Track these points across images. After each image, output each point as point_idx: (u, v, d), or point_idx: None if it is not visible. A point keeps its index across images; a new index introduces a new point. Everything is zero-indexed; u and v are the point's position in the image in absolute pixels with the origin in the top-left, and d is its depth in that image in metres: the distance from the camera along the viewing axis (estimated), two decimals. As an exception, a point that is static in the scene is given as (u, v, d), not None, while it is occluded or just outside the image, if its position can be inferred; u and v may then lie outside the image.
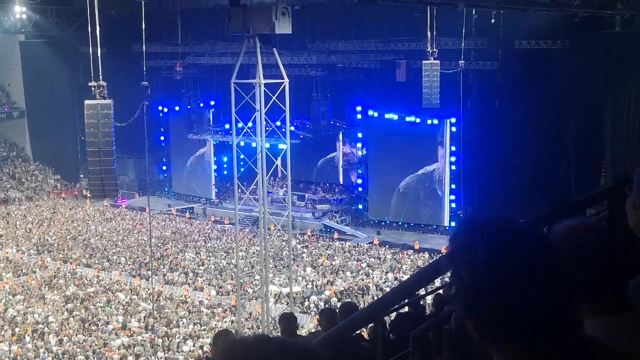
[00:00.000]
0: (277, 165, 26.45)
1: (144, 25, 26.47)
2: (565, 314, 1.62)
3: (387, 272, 35.99)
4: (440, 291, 8.83)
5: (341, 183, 51.89)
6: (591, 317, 1.94)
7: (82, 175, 55.38)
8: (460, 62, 39.09)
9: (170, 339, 27.93)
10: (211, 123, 53.32)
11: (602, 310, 2.00)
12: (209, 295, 33.75)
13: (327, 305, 31.73)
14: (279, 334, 9.76)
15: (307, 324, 29.98)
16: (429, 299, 11.74)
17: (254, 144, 27.89)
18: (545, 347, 1.61)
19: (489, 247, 1.61)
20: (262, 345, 1.49)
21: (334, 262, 38.29)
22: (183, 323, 29.90)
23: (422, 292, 6.79)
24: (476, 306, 1.62)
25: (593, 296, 1.98)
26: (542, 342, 1.61)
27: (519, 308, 1.58)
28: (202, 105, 52.77)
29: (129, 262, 39.12)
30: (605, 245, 2.13)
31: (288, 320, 8.61)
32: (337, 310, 8.08)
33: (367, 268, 37.18)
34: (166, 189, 56.97)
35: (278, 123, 27.91)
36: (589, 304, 1.97)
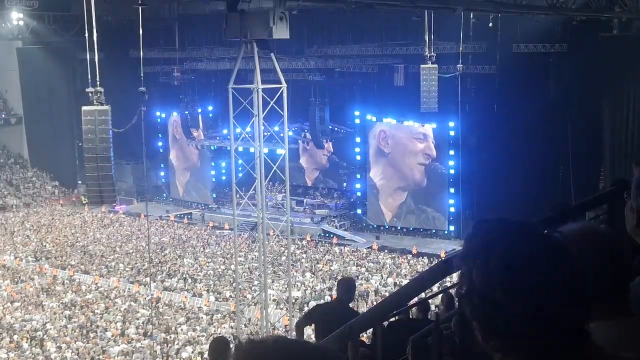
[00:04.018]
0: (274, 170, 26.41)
1: (141, 31, 26.37)
2: (577, 324, 1.60)
3: (387, 277, 35.91)
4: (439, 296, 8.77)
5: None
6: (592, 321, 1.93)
7: (80, 182, 55.31)
8: (458, 66, 39.07)
9: (169, 345, 27.86)
10: (209, 128, 53.36)
11: (603, 315, 1.98)
12: (208, 301, 33.67)
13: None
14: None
15: (306, 329, 29.92)
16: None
17: (252, 149, 27.84)
18: (551, 355, 1.59)
19: (503, 250, 1.60)
20: (284, 349, 1.51)
21: (332, 268, 38.20)
22: (182, 329, 29.82)
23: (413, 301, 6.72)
24: (485, 309, 1.60)
25: (595, 300, 1.92)
26: (549, 352, 1.58)
27: (529, 314, 1.56)
28: (200, 110, 52.75)
29: (127, 269, 39.02)
30: (609, 249, 2.14)
31: (347, 284, 8.55)
32: (336, 286, 8.51)
33: (366, 273, 37.10)
34: (164, 194, 56.93)
35: (276, 128, 27.88)
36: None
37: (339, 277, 35.98)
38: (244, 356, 1.50)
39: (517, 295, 1.56)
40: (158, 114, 54.32)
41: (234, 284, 30.68)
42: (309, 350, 1.53)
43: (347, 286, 8.36)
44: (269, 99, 24.61)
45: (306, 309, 31.96)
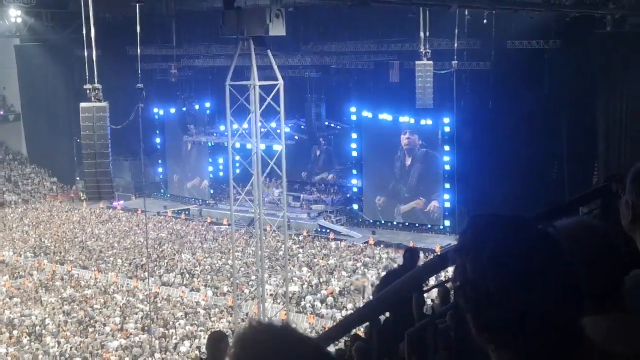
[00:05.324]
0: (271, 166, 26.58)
1: (138, 28, 26.47)
2: (570, 320, 1.62)
3: (383, 272, 36.11)
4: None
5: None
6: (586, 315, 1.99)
7: (78, 178, 55.43)
8: (453, 62, 39.21)
9: (167, 340, 28.07)
10: (206, 125, 53.50)
11: (597, 310, 2.01)
12: (206, 296, 33.88)
13: (323, 305, 31.92)
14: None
15: (303, 324, 30.18)
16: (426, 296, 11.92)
17: (249, 145, 28.02)
18: (543, 350, 1.61)
19: (494, 244, 1.62)
20: (278, 338, 1.59)
21: (329, 262, 38.42)
22: (180, 324, 30.04)
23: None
24: (478, 302, 1.62)
25: (590, 295, 1.96)
26: (542, 346, 1.61)
27: (522, 309, 1.58)
28: (197, 107, 52.88)
29: (125, 264, 39.21)
30: (603, 244, 2.18)
31: (411, 252, 9.82)
32: (403, 257, 9.75)
33: (362, 268, 37.33)
34: (162, 190, 57.08)
35: (273, 124, 28.05)
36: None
37: (335, 272, 36.38)
38: (245, 343, 1.57)
39: (508, 289, 1.57)
40: (155, 110, 54.38)
41: (232, 279, 30.90)
42: (302, 342, 1.59)
43: (411, 254, 9.63)
44: (265, 96, 24.78)
45: (303, 303, 32.24)
